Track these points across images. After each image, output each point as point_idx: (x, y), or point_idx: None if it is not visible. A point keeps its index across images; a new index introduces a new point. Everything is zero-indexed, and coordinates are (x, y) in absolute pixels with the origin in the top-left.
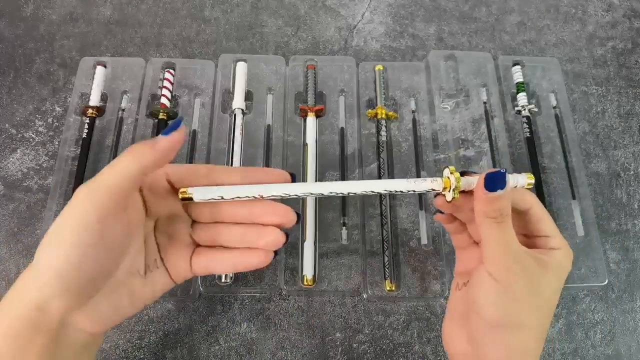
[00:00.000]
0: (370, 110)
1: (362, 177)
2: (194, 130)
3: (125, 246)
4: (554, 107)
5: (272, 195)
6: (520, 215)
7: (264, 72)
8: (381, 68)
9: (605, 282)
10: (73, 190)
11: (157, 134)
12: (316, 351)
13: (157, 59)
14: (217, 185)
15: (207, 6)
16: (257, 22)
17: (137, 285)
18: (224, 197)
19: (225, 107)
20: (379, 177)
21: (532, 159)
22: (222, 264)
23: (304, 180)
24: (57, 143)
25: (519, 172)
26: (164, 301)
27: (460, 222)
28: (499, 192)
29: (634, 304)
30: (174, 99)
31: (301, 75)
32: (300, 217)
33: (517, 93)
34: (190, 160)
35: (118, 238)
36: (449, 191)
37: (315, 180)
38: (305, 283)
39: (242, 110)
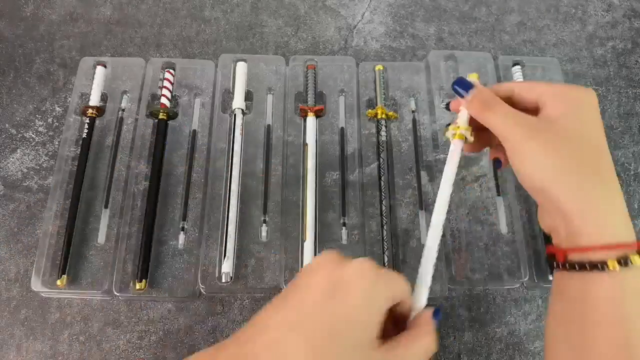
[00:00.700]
0: (370, 110)
1: (362, 177)
2: (194, 131)
3: None
4: None
5: None
6: (507, 100)
7: (264, 72)
8: (381, 68)
9: None
10: (73, 190)
11: (157, 134)
12: None
13: (157, 59)
14: None
15: (207, 6)
16: (257, 22)
17: None
18: None
19: (225, 107)
20: (379, 177)
21: None
22: None
23: (304, 180)
24: (57, 143)
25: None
26: (164, 301)
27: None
28: (469, 92)
29: None
30: (174, 99)
31: (301, 75)
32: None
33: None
34: (191, 160)
35: None
36: (468, 135)
37: (316, 180)
38: None
39: (242, 110)
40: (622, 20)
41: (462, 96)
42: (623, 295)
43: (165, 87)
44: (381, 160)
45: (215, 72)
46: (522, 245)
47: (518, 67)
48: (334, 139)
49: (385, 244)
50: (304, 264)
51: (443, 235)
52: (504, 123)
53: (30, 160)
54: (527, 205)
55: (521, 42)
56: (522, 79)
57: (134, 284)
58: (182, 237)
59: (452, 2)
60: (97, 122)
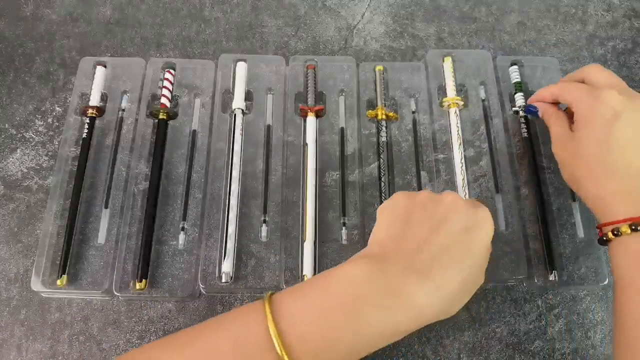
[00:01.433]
0: (370, 111)
1: (362, 177)
2: (194, 131)
3: None
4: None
5: None
6: None
7: (264, 72)
8: (381, 69)
9: (606, 282)
10: (73, 190)
11: (157, 134)
12: None
13: (157, 59)
14: None
15: (207, 6)
16: (257, 22)
17: None
18: None
19: (225, 107)
20: (379, 178)
21: (532, 159)
22: None
23: (304, 180)
24: (57, 143)
25: (516, 173)
26: (164, 301)
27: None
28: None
29: None
30: (174, 99)
31: (301, 75)
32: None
33: (515, 93)
34: (191, 160)
35: None
36: None
37: (316, 180)
38: None
39: (242, 110)
40: (622, 20)
41: (536, 115)
42: None
43: (165, 87)
44: (381, 160)
45: (215, 72)
46: (521, 244)
47: (515, 67)
48: (334, 139)
49: None
50: (304, 264)
51: None
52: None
53: (30, 160)
54: (526, 204)
55: (521, 42)
56: (519, 79)
57: (134, 284)
58: (182, 237)
59: (452, 2)
60: (97, 122)
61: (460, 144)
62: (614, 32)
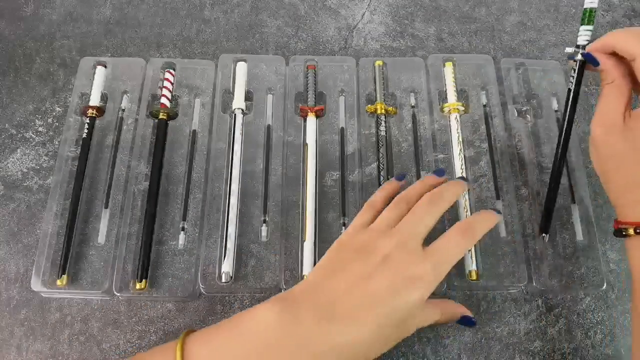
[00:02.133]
0: (369, 106)
1: (362, 177)
2: (194, 131)
3: None
4: (556, 111)
5: None
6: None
7: (264, 72)
8: (381, 64)
9: (604, 288)
10: (73, 190)
11: (157, 134)
12: None
13: (157, 59)
14: None
15: (207, 6)
16: (257, 22)
17: None
18: None
19: (225, 107)
20: (379, 176)
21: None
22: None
23: (304, 180)
24: (57, 143)
25: (516, 173)
26: (164, 301)
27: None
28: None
29: None
30: (174, 99)
31: (301, 75)
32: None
33: (582, 24)
34: (191, 160)
35: None
36: None
37: (316, 180)
38: None
39: (242, 110)
40: (622, 20)
41: (596, 64)
42: None
43: (165, 87)
44: (380, 155)
45: (215, 72)
46: (521, 246)
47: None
48: (334, 139)
49: None
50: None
51: (443, 231)
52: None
53: (30, 160)
54: (525, 206)
55: (521, 42)
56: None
57: (134, 284)
58: (182, 237)
59: (452, 2)
60: (97, 122)
61: (460, 149)
62: None
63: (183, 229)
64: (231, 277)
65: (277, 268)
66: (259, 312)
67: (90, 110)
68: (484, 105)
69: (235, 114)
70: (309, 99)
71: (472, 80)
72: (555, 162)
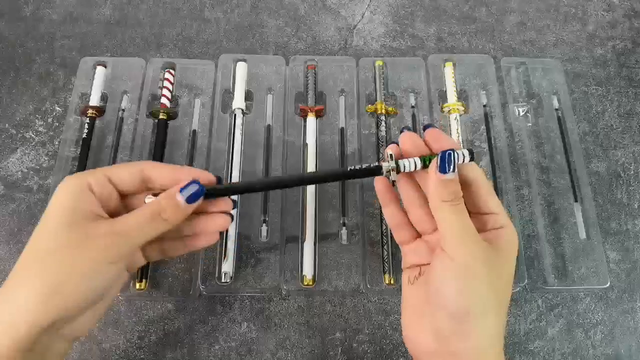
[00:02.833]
0: (369, 106)
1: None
2: (194, 131)
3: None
4: (557, 110)
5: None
6: (465, 191)
7: (264, 72)
8: (381, 63)
9: (607, 285)
10: None
11: (157, 134)
12: (316, 351)
13: (157, 59)
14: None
15: (207, 6)
16: (257, 22)
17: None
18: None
19: (225, 107)
20: None
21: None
22: (175, 249)
23: None
24: (57, 143)
25: (516, 173)
26: (164, 301)
27: (404, 215)
28: (452, 174)
29: (634, 304)
30: (174, 99)
31: (301, 75)
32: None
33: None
34: (191, 160)
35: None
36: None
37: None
38: (305, 283)
39: (242, 110)
40: (622, 20)
41: (444, 171)
42: None
43: (165, 87)
44: (381, 155)
45: (215, 72)
46: (521, 246)
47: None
48: (334, 139)
49: (385, 238)
50: (304, 264)
51: None
52: (465, 228)
53: (30, 160)
54: (526, 205)
55: (521, 42)
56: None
57: (134, 284)
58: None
59: (452, 2)
60: (97, 122)
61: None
62: (614, 32)
63: None
64: (231, 277)
65: (277, 268)
66: None
67: (90, 110)
68: (484, 105)
69: (235, 114)
70: (309, 99)
71: (472, 80)
72: None
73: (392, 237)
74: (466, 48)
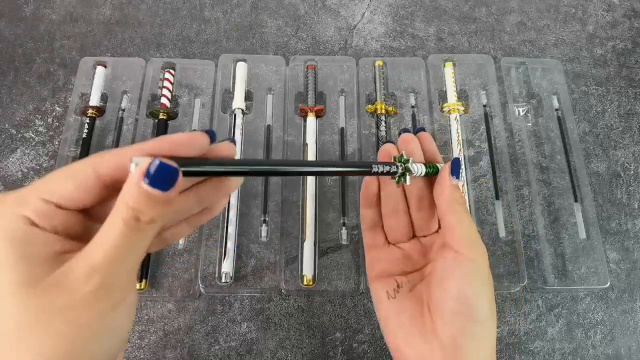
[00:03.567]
0: (369, 106)
1: (362, 177)
2: (194, 131)
3: None
4: (557, 109)
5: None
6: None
7: (264, 72)
8: (381, 64)
9: (607, 285)
10: None
11: (157, 134)
12: (316, 351)
13: (157, 59)
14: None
15: (207, 6)
16: (257, 22)
17: None
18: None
19: (225, 107)
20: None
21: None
22: (177, 234)
23: (304, 180)
24: (57, 143)
25: (516, 173)
26: (164, 301)
27: (379, 216)
28: (458, 180)
29: (634, 304)
30: (174, 99)
31: (301, 75)
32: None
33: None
34: None
35: None
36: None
37: (316, 180)
38: (305, 283)
39: (242, 110)
40: (622, 20)
41: (457, 176)
42: None
43: (165, 87)
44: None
45: (215, 72)
46: (521, 246)
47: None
48: (334, 139)
49: None
50: (304, 264)
51: None
52: (475, 230)
53: (30, 160)
54: (526, 205)
55: (521, 42)
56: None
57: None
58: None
59: (452, 2)
60: (97, 122)
61: (460, 149)
62: (614, 32)
63: None
64: (231, 277)
65: (277, 268)
66: None
67: (90, 110)
68: (484, 105)
69: (235, 114)
70: (309, 99)
71: (472, 80)
72: None
73: None
74: (466, 48)
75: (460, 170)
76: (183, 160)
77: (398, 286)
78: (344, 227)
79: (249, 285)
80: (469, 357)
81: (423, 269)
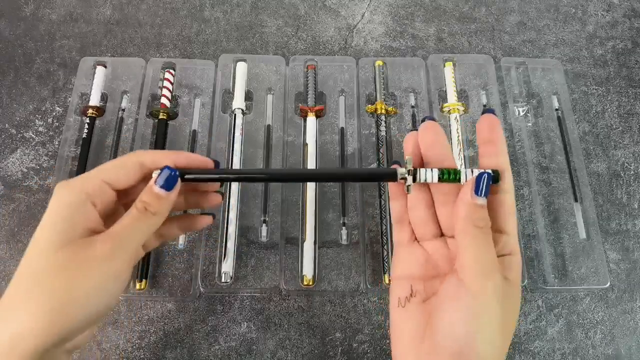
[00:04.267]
0: (369, 106)
1: None
2: (194, 131)
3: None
4: (557, 109)
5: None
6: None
7: (264, 72)
8: (381, 64)
9: (607, 285)
10: None
11: (157, 134)
12: (316, 351)
13: (157, 59)
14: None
15: (207, 6)
16: (257, 22)
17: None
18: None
19: (225, 107)
20: None
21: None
22: (172, 233)
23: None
24: (57, 143)
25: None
26: (164, 301)
27: (405, 208)
28: (485, 198)
29: (634, 304)
30: (174, 99)
31: (301, 75)
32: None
33: None
34: None
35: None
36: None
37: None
38: (305, 283)
39: (242, 110)
40: (622, 20)
41: (480, 194)
42: None
43: (165, 87)
44: (380, 155)
45: (215, 72)
46: (521, 246)
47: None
48: (334, 139)
49: (384, 237)
50: (304, 264)
51: None
52: (489, 261)
53: (30, 160)
54: (526, 205)
55: (521, 42)
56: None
57: (134, 284)
58: (182, 237)
59: (452, 2)
60: (97, 122)
61: (460, 149)
62: (614, 32)
63: None
64: (231, 277)
65: (277, 268)
66: None
67: (90, 110)
68: (484, 105)
69: (235, 114)
70: (309, 99)
71: (472, 80)
72: None
73: (391, 241)
74: (466, 48)
75: (488, 187)
76: (183, 170)
77: (411, 294)
78: (344, 227)
79: (249, 285)
80: None
81: (444, 278)
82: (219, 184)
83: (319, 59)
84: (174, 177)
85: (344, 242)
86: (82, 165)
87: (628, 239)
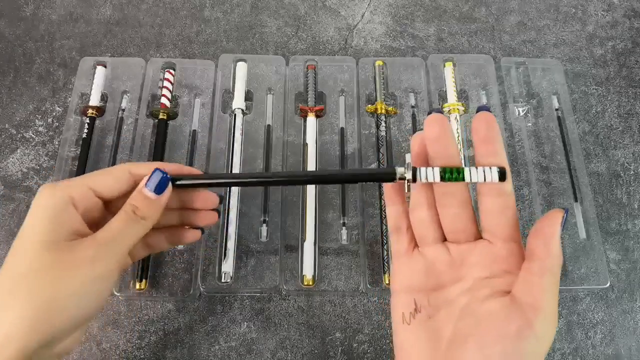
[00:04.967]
0: (370, 106)
1: None
2: (194, 131)
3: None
4: (557, 109)
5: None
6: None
7: (264, 72)
8: (381, 64)
9: (607, 285)
10: None
11: (157, 134)
12: (316, 351)
13: (157, 59)
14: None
15: (207, 6)
16: (257, 22)
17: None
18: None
19: (225, 107)
20: None
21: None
22: (160, 245)
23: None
24: (57, 143)
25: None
26: (164, 301)
27: (407, 218)
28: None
29: (634, 304)
30: (174, 99)
31: (301, 75)
32: (223, 199)
33: None
34: (191, 160)
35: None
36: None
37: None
38: (305, 283)
39: (242, 110)
40: (622, 20)
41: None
42: None
43: (165, 87)
44: (380, 155)
45: (215, 72)
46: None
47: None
48: (334, 139)
49: (385, 238)
50: (304, 264)
51: None
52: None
53: (30, 161)
54: (526, 205)
55: (521, 42)
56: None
57: (134, 284)
58: None
59: (452, 2)
60: (97, 122)
61: (460, 149)
62: (614, 32)
63: None
64: (231, 277)
65: (277, 268)
66: None
67: (90, 110)
68: (485, 104)
69: (235, 114)
70: (309, 99)
71: (472, 80)
72: None
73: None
74: (466, 48)
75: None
76: (175, 177)
77: (415, 309)
78: (344, 227)
79: (249, 285)
80: None
81: (449, 289)
82: (216, 201)
83: (319, 59)
84: (164, 180)
85: (344, 242)
86: (82, 165)
87: (628, 239)
